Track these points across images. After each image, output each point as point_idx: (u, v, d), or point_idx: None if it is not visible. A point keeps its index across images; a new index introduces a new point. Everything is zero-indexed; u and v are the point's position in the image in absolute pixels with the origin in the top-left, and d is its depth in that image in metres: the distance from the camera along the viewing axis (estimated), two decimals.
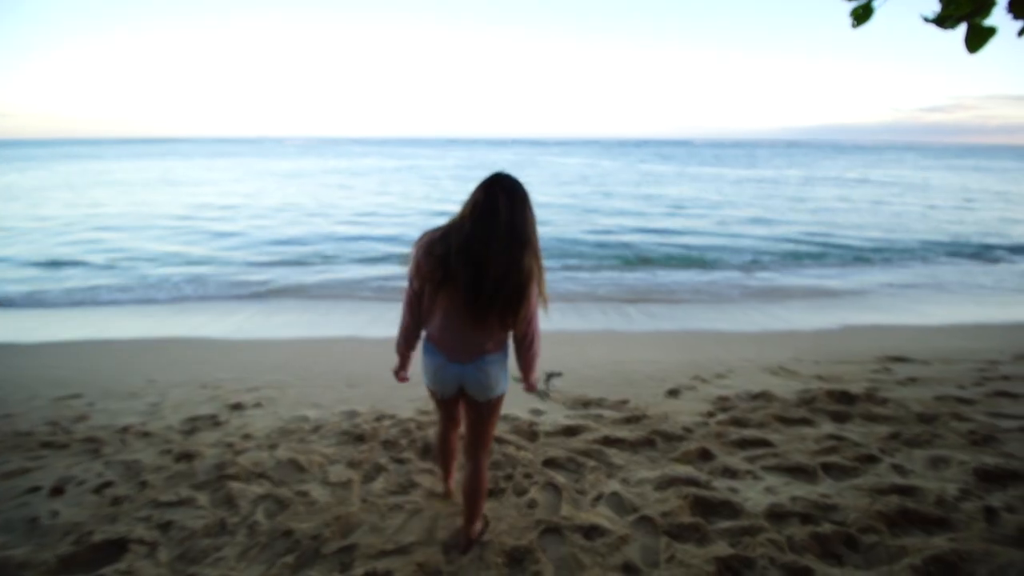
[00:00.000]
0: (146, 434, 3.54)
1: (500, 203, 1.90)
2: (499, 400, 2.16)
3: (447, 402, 2.27)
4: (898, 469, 2.82)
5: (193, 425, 3.69)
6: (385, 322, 6.73)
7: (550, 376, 4.55)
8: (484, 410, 2.15)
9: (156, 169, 39.31)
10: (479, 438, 2.22)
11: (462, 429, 2.44)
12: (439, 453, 2.58)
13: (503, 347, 2.10)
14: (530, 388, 2.24)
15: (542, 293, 2.02)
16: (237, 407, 4.01)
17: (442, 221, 2.03)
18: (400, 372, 2.28)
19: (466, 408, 2.21)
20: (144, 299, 8.18)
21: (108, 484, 2.89)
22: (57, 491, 2.83)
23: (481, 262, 1.89)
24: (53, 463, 3.15)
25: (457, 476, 2.69)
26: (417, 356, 2.20)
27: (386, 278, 9.21)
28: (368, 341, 5.91)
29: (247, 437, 3.46)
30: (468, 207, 1.94)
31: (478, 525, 2.35)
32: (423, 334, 2.15)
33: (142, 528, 2.48)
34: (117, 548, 2.36)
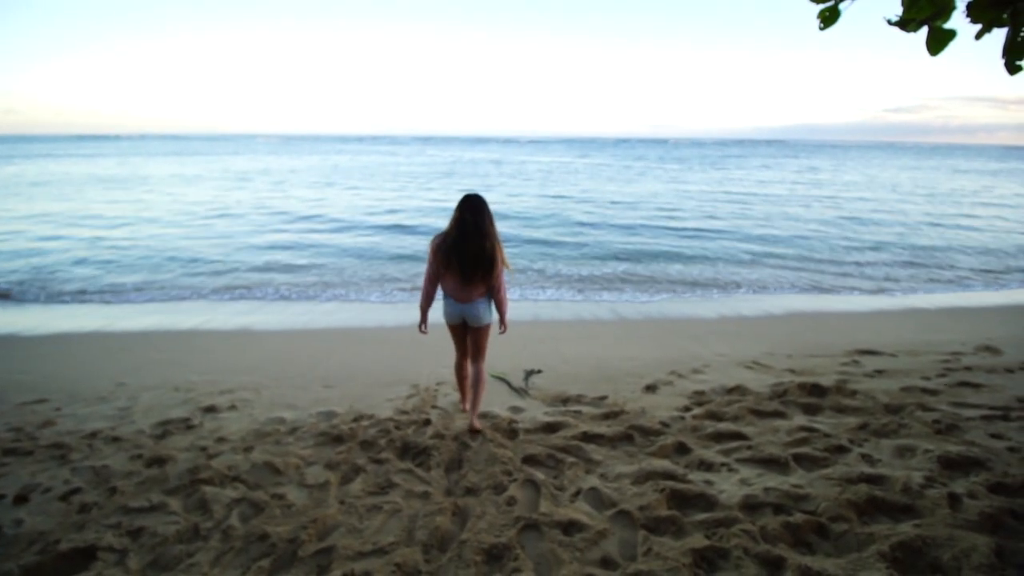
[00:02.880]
0: (115, 439, 3.45)
1: (467, 216, 3.17)
2: (488, 327, 3.44)
3: (456, 328, 3.48)
4: (866, 458, 2.90)
5: (165, 429, 3.60)
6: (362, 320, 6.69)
7: (529, 373, 4.57)
8: (479, 333, 3.45)
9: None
10: (478, 350, 3.52)
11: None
12: (457, 379, 3.74)
13: (486, 295, 3.35)
14: (504, 330, 3.47)
15: (504, 261, 3.30)
16: (210, 410, 3.93)
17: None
18: (421, 325, 3.45)
19: (469, 332, 3.47)
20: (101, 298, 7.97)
21: (75, 491, 2.81)
22: (21, 499, 2.74)
23: (463, 251, 3.17)
24: (17, 470, 3.05)
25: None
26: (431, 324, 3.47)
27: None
28: (346, 339, 5.85)
29: (221, 440, 3.39)
30: (452, 221, 3.21)
31: (479, 422, 3.53)
32: (441, 292, 3.39)
33: (111, 535, 2.41)
34: (85, 556, 2.30)
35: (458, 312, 3.35)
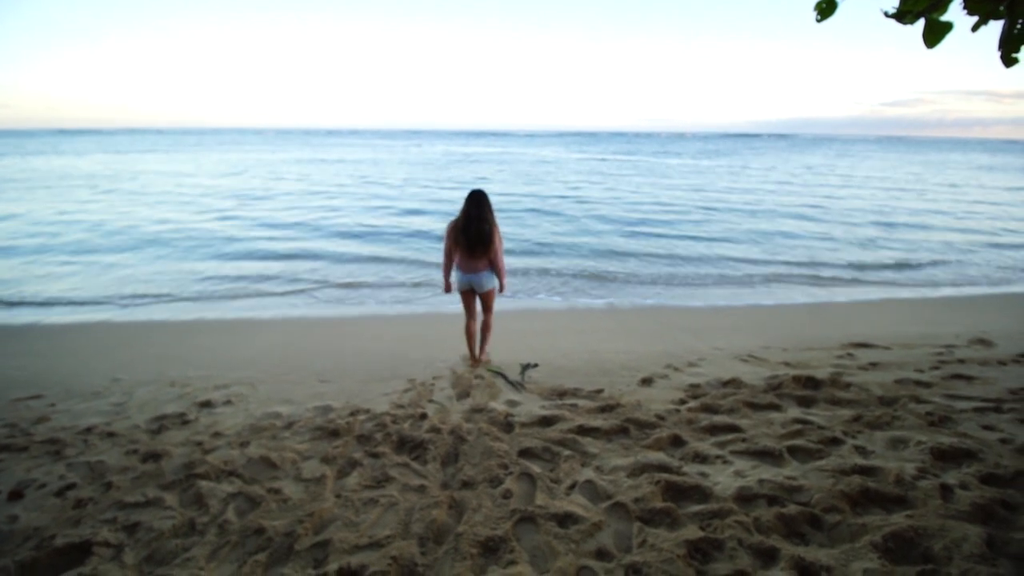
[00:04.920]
0: (111, 434, 3.44)
1: (472, 207, 4.25)
2: (492, 291, 4.57)
3: (465, 293, 4.61)
4: (860, 450, 2.92)
5: (160, 424, 3.59)
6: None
7: (525, 367, 4.58)
8: (486, 295, 4.60)
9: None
10: (487, 307, 4.69)
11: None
12: (466, 337, 4.79)
13: (489, 267, 4.44)
14: (502, 290, 4.66)
15: (500, 239, 4.38)
16: (206, 405, 3.92)
17: None
18: (446, 288, 4.64)
19: (477, 296, 4.62)
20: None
21: (71, 486, 2.80)
22: (16, 495, 2.73)
23: (469, 233, 4.24)
24: (11, 466, 3.04)
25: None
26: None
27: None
28: (341, 332, 5.84)
29: (217, 435, 3.39)
30: (461, 211, 4.31)
31: (486, 354, 4.84)
32: (454, 264, 4.48)
33: (107, 530, 2.41)
34: (81, 552, 2.29)
35: (467, 280, 4.48)
